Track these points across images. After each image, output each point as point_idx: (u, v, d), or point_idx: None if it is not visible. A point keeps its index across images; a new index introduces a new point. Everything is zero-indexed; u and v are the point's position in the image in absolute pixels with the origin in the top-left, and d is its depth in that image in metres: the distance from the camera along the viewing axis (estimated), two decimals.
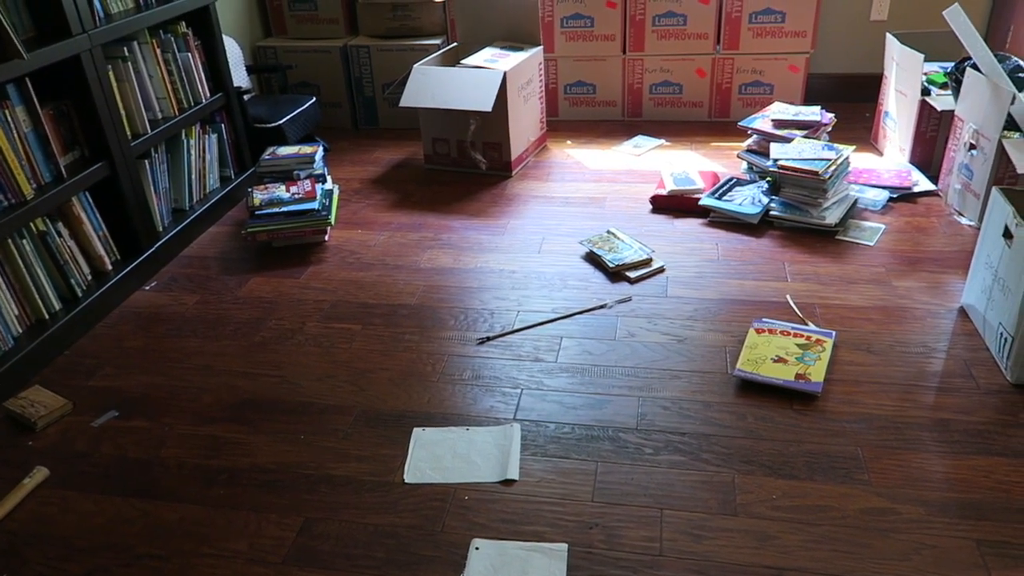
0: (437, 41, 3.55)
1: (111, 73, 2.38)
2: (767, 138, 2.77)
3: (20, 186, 2.07)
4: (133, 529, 1.57)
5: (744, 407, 1.79)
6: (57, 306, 2.21)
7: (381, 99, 3.69)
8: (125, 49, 2.46)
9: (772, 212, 2.58)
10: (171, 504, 1.63)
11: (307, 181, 2.72)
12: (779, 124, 2.79)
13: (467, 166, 3.16)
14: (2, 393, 1.96)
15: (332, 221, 2.64)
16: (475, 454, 1.71)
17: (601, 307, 2.21)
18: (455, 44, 3.41)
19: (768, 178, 2.69)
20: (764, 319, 2.06)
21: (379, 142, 3.59)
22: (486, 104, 2.88)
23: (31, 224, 2.13)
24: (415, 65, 3.12)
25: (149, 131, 2.54)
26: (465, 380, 1.95)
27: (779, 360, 1.88)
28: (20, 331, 2.10)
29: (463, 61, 3.09)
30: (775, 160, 2.57)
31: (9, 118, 2.05)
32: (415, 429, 1.79)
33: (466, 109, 2.93)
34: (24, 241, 2.10)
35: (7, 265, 2.06)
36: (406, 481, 1.65)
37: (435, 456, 1.72)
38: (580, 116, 3.69)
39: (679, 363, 1.96)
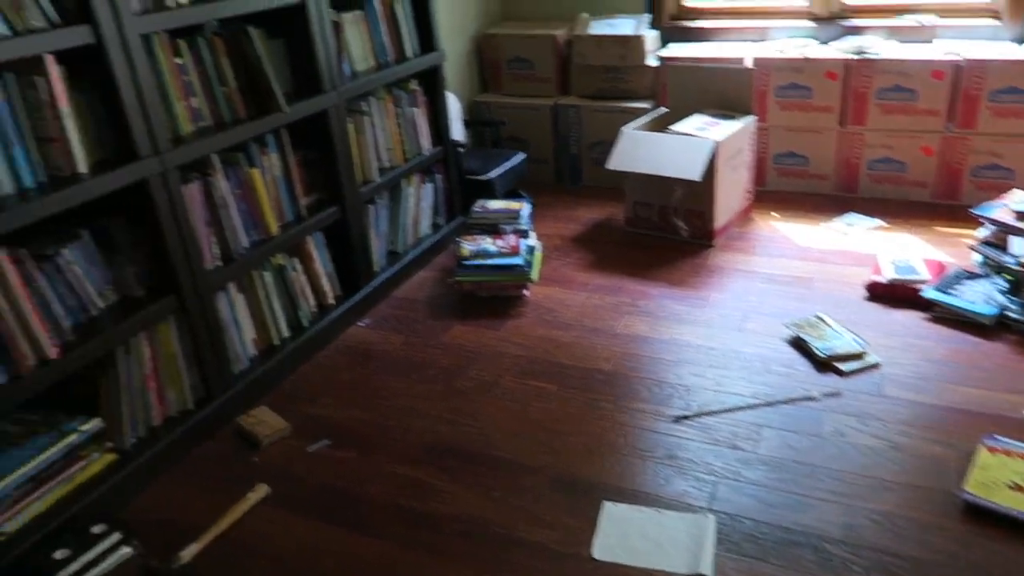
0: (646, 105, 3.58)
1: (351, 125, 2.60)
2: (1007, 230, 2.53)
3: (268, 224, 2.30)
4: (331, 558, 1.67)
5: (971, 536, 1.62)
6: (286, 334, 2.42)
7: (586, 158, 3.77)
8: (364, 104, 2.69)
9: (1010, 314, 2.34)
10: (371, 539, 1.72)
11: (512, 236, 2.82)
12: (1023, 216, 2.54)
13: (669, 232, 3.14)
14: (235, 409, 2.17)
15: (534, 277, 2.71)
16: (666, 540, 1.67)
17: (808, 399, 2.09)
18: (663, 110, 3.42)
19: (1007, 276, 2.45)
20: (998, 437, 1.86)
21: (581, 200, 3.65)
22: (694, 173, 2.86)
23: (273, 258, 2.36)
24: (623, 128, 3.16)
25: (376, 179, 2.75)
26: (658, 458, 1.92)
27: (1017, 488, 1.68)
28: (254, 353, 2.32)
29: (672, 127, 3.10)
30: (1017, 258, 2.34)
31: (266, 164, 2.30)
32: (605, 503, 1.78)
33: (673, 176, 2.92)
34: (266, 273, 2.33)
35: (250, 293, 2.29)
36: (595, 556, 1.64)
37: (624, 534, 1.69)
38: (789, 187, 3.57)
39: (893, 472, 1.81)
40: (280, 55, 2.38)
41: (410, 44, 2.91)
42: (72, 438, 1.80)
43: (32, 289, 1.70)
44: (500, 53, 3.86)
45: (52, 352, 1.72)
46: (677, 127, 3.10)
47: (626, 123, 3.27)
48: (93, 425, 1.85)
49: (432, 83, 3.05)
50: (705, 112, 3.25)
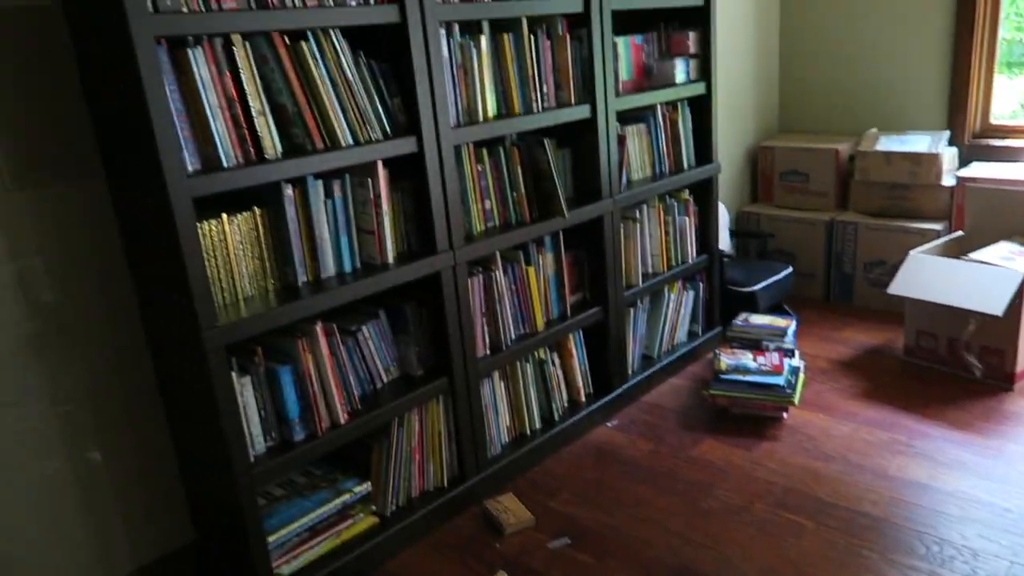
0: (937, 227, 3.29)
1: (622, 230, 2.69)
2: None
3: (536, 319, 2.43)
4: None
5: None
6: (538, 425, 2.51)
7: (861, 277, 3.53)
8: (637, 211, 2.78)
9: None
10: None
11: (775, 354, 2.70)
12: None
13: (957, 368, 2.81)
14: (484, 491, 2.27)
15: (796, 401, 2.56)
16: None
17: None
18: (959, 234, 3.13)
19: None
20: None
21: (851, 321, 3.41)
22: (996, 307, 2.56)
23: (536, 352, 2.47)
24: (912, 252, 2.92)
25: (640, 284, 2.80)
26: None
27: None
28: (507, 440, 2.42)
29: (971, 255, 2.81)
30: None
31: (541, 263, 2.45)
32: None
33: (970, 308, 2.63)
34: (528, 365, 2.45)
35: (511, 382, 2.42)
36: None
37: None
38: None
39: None
40: (566, 163, 2.55)
41: (687, 156, 2.98)
42: (346, 497, 2.00)
43: (336, 359, 1.94)
44: (774, 165, 3.80)
45: (343, 417, 1.94)
46: (976, 255, 2.81)
47: (911, 244, 3.03)
48: (364, 488, 2.03)
49: (704, 194, 3.07)
50: (1013, 240, 2.91)
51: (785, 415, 2.61)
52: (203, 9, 1.57)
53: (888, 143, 3.46)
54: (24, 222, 1.68)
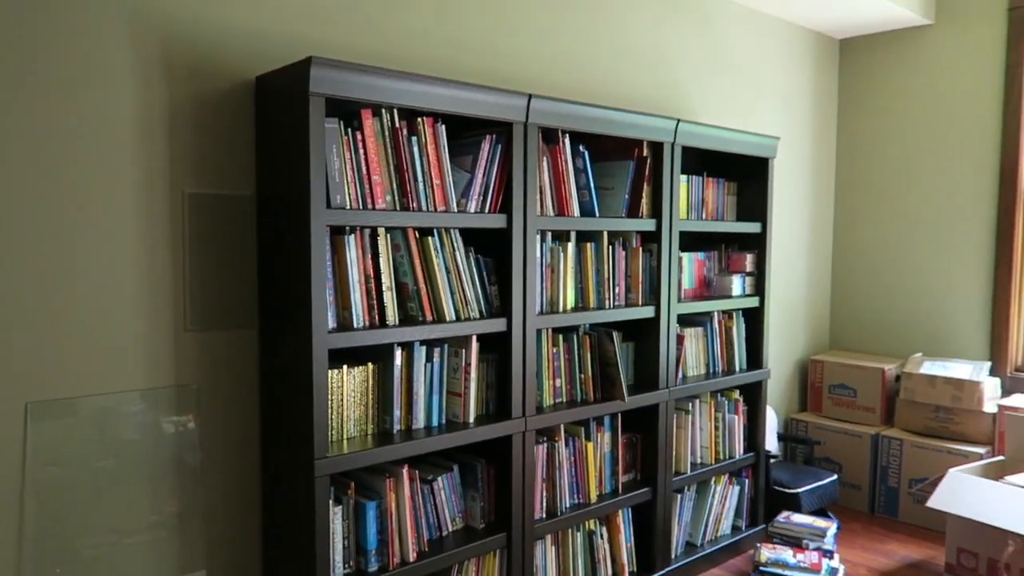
0: (980, 450, 3.45)
1: (675, 420, 2.97)
2: None
3: (590, 492, 2.67)
4: None
5: None
6: None
7: (905, 492, 3.65)
8: (690, 404, 3.06)
9: None
10: None
11: (815, 553, 2.83)
12: None
13: None
14: None
15: None
16: None
17: None
18: (1001, 458, 3.28)
19: None
20: None
21: (894, 535, 3.50)
22: None
23: (586, 523, 2.69)
24: (952, 470, 3.09)
25: (688, 472, 3.02)
26: None
27: None
28: None
29: (1008, 478, 2.96)
30: None
31: (599, 439, 2.73)
32: None
33: (1008, 529, 2.75)
34: (578, 534, 2.65)
35: (562, 548, 2.62)
36: None
37: None
38: None
39: None
40: (629, 354, 2.90)
41: (739, 359, 3.29)
42: None
43: (414, 502, 2.22)
44: (824, 378, 4.06)
45: (412, 555, 2.18)
46: (1015, 478, 2.96)
47: (954, 465, 3.19)
48: None
49: (754, 396, 3.35)
50: None
51: None
52: (362, 207, 2.04)
53: (932, 367, 3.70)
54: (190, 356, 2.09)
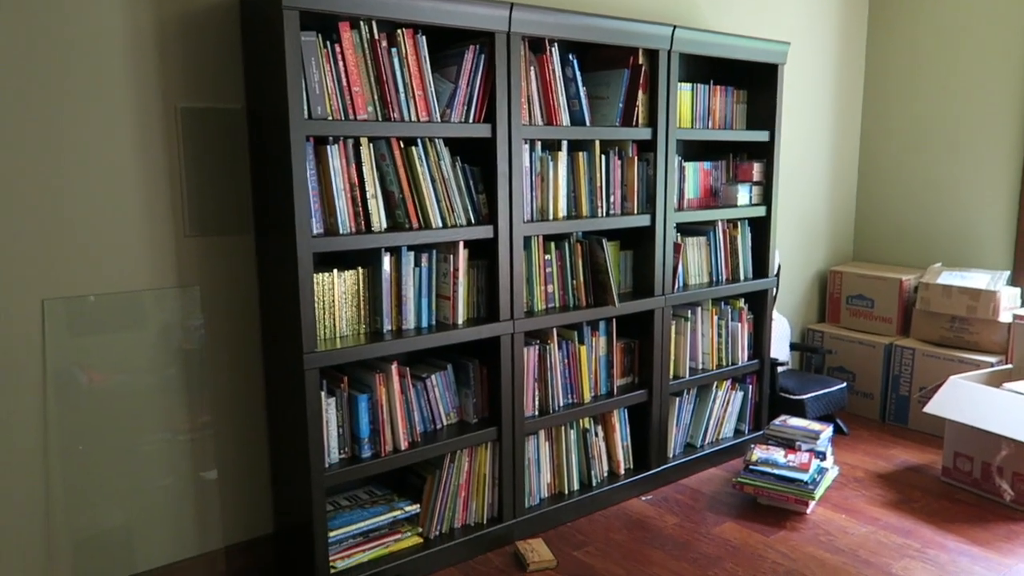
0: (992, 360, 3.43)
1: (673, 327, 3.05)
2: None
3: (583, 392, 2.80)
4: None
5: None
6: (576, 487, 2.83)
7: (915, 401, 3.67)
8: (689, 311, 3.13)
9: None
10: None
11: (806, 454, 2.92)
12: None
13: (988, 491, 2.92)
14: (517, 533, 2.61)
15: (816, 496, 2.76)
16: None
17: None
18: (1008, 366, 3.26)
19: None
20: None
21: (900, 441, 3.55)
22: None
23: (580, 421, 2.82)
24: (952, 377, 3.10)
25: (687, 376, 3.11)
26: None
27: None
28: (545, 495, 2.76)
29: (1006, 385, 2.96)
30: None
31: (594, 344, 2.83)
32: None
33: (1000, 433, 2.78)
34: (572, 432, 2.80)
35: (555, 444, 2.77)
36: None
37: None
38: None
39: None
40: (627, 262, 2.97)
41: (744, 268, 3.32)
42: (397, 513, 2.39)
43: (405, 397, 2.38)
44: (842, 289, 4.04)
45: (404, 444, 2.36)
46: (1014, 385, 2.96)
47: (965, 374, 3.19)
48: (414, 509, 2.43)
49: (759, 304, 3.38)
50: None
51: (808, 510, 2.81)
52: (343, 118, 2.14)
53: (950, 277, 3.66)
54: (191, 260, 2.26)
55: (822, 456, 2.96)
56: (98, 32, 2.03)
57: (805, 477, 2.78)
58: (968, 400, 2.97)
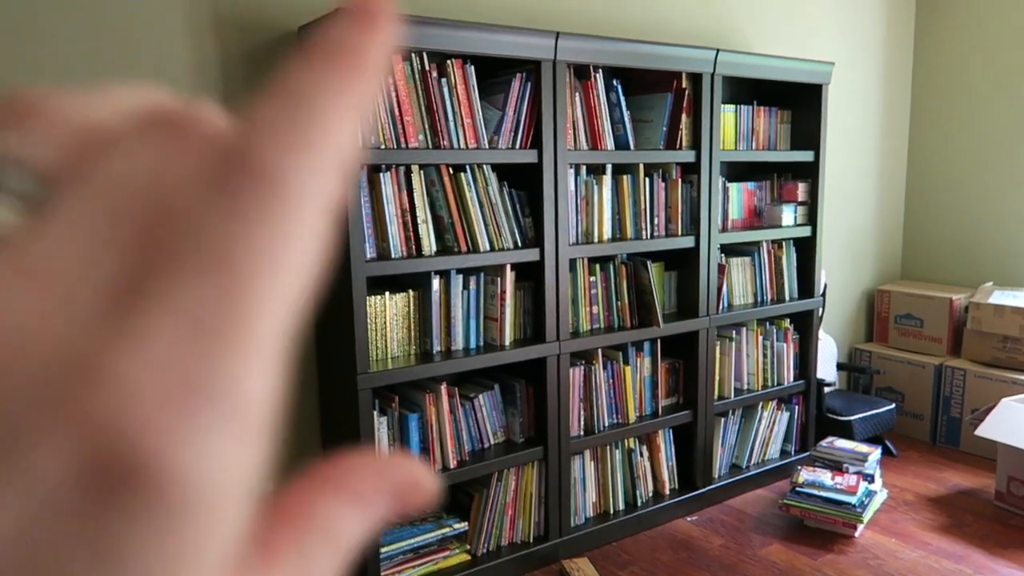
0: None
1: (718, 347, 3.06)
2: None
3: (628, 412, 2.82)
4: None
5: None
6: (621, 507, 2.85)
7: (967, 423, 3.61)
8: (734, 331, 3.13)
9: None
10: None
11: (854, 476, 2.89)
12: None
13: None
14: (562, 552, 2.64)
15: (864, 519, 2.74)
16: None
17: None
18: None
19: None
20: None
21: (952, 464, 3.49)
22: None
23: (625, 441, 2.85)
24: (1004, 399, 3.05)
25: (732, 397, 3.12)
26: None
27: None
28: (591, 514, 2.79)
29: None
30: None
31: (638, 364, 2.86)
32: None
33: None
34: (617, 451, 2.83)
35: (600, 464, 2.80)
36: None
37: None
38: None
39: None
40: (671, 283, 2.99)
41: (789, 289, 3.32)
42: (447, 530, 2.44)
43: (453, 416, 2.44)
44: (890, 308, 4.00)
45: (452, 462, 2.42)
46: None
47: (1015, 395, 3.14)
48: (462, 527, 2.47)
49: (805, 325, 3.37)
50: None
51: (857, 533, 2.79)
52: (395, 146, 2.22)
53: (1001, 297, 3.60)
54: None
55: (870, 479, 2.94)
56: (165, 64, 2.14)
57: (853, 500, 2.76)
58: (1021, 423, 2.92)
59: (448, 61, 2.30)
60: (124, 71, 2.08)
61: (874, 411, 3.48)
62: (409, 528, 2.43)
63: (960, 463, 3.50)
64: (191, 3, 2.16)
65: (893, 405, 3.56)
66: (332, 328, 2.32)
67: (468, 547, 2.51)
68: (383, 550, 2.31)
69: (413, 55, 2.24)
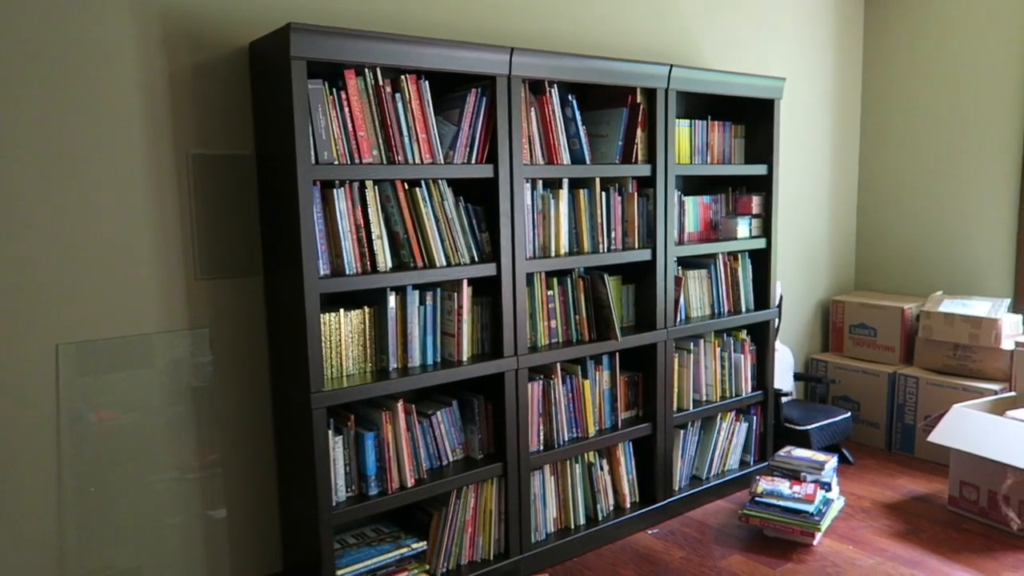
0: (995, 387, 3.44)
1: (676, 359, 3.07)
2: None
3: (588, 426, 2.82)
4: None
5: None
6: (582, 521, 2.84)
7: (920, 429, 3.68)
8: (692, 343, 3.15)
9: None
10: None
11: (811, 485, 2.92)
12: None
13: (995, 520, 2.92)
14: (526, 570, 2.61)
15: (822, 528, 2.77)
16: None
17: None
18: (1012, 394, 3.27)
19: None
20: None
21: (907, 470, 3.55)
22: None
23: (585, 455, 2.84)
24: (956, 406, 3.11)
25: (691, 408, 3.13)
26: None
27: None
28: (552, 530, 2.77)
29: (1010, 413, 2.97)
30: None
31: (597, 378, 2.86)
32: None
33: (1005, 462, 2.79)
34: (577, 466, 2.82)
35: (560, 479, 2.79)
36: None
37: None
38: None
39: None
40: (629, 296, 3.01)
41: (745, 300, 3.35)
42: (405, 551, 2.41)
43: (411, 434, 2.41)
44: (845, 318, 4.07)
45: (410, 481, 2.38)
46: (1017, 413, 2.97)
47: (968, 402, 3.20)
48: (421, 546, 2.44)
49: (762, 335, 3.41)
50: None
51: (815, 542, 2.81)
52: (349, 162, 2.20)
53: (951, 305, 3.68)
54: (202, 303, 2.31)
55: (827, 487, 2.97)
56: (114, 82, 2.10)
57: (811, 508, 2.79)
58: (972, 428, 2.98)
59: (402, 76, 2.29)
60: (72, 87, 2.03)
61: (831, 420, 3.53)
62: (366, 549, 2.39)
63: (915, 469, 3.56)
64: (140, 19, 2.13)
65: (849, 414, 3.61)
66: (285, 346, 2.29)
67: (427, 567, 2.47)
68: (339, 573, 2.27)
69: (367, 70, 2.22)
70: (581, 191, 2.75)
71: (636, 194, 2.89)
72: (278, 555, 2.51)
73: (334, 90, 2.17)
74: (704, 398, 3.24)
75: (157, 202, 2.20)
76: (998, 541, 2.83)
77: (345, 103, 2.19)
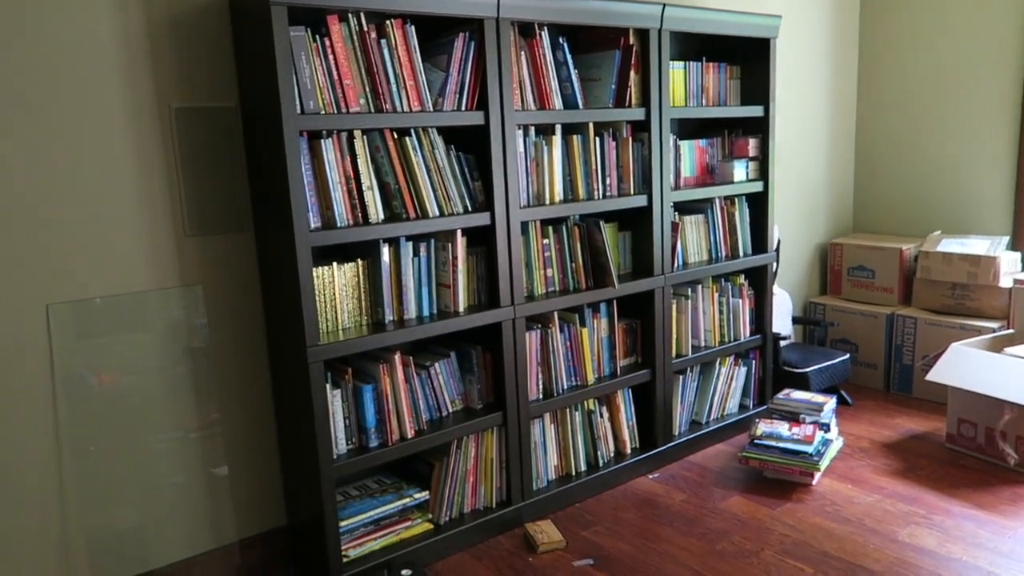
0: (993, 325, 3.44)
1: (674, 305, 3.06)
2: None
3: (586, 374, 2.82)
4: None
5: None
6: (583, 468, 2.86)
7: (918, 369, 3.69)
8: (689, 289, 3.14)
9: None
10: None
11: (810, 426, 2.94)
12: None
13: (992, 456, 2.94)
14: (526, 516, 2.64)
15: (821, 468, 2.79)
16: None
17: None
18: (1010, 331, 3.27)
19: None
20: None
21: (905, 410, 3.57)
22: None
23: (585, 402, 2.85)
24: (954, 344, 3.11)
25: (690, 354, 3.13)
26: None
27: None
28: (553, 477, 2.79)
29: (1007, 350, 2.97)
30: None
31: (595, 326, 2.85)
32: None
33: (1003, 398, 2.80)
34: (577, 413, 2.82)
35: (560, 427, 2.80)
36: None
37: None
38: None
39: None
40: (626, 243, 2.98)
41: (743, 245, 3.33)
42: (407, 501, 2.42)
43: (409, 386, 2.41)
44: (843, 261, 4.05)
45: (410, 432, 2.39)
46: (1014, 349, 2.97)
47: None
48: (423, 496, 2.46)
49: (759, 280, 3.39)
50: None
51: (814, 481, 2.83)
52: (336, 111, 2.15)
53: (949, 245, 3.66)
54: (193, 259, 2.28)
55: (826, 428, 2.98)
56: (89, 36, 2.04)
57: (809, 449, 2.80)
58: (970, 366, 2.99)
59: (387, 22, 2.22)
60: (46, 42, 1.97)
61: (829, 362, 3.53)
62: (368, 500, 2.40)
63: (913, 409, 3.58)
64: None
65: (848, 356, 3.61)
66: (279, 301, 2.27)
67: (430, 516, 2.49)
68: (343, 524, 2.29)
69: (350, 15, 2.16)
70: (574, 137, 2.70)
71: (631, 139, 2.84)
72: (282, 509, 2.52)
73: (317, 37, 2.11)
74: (703, 343, 3.23)
75: (141, 157, 2.16)
76: (995, 476, 2.85)
77: (329, 50, 2.13)
